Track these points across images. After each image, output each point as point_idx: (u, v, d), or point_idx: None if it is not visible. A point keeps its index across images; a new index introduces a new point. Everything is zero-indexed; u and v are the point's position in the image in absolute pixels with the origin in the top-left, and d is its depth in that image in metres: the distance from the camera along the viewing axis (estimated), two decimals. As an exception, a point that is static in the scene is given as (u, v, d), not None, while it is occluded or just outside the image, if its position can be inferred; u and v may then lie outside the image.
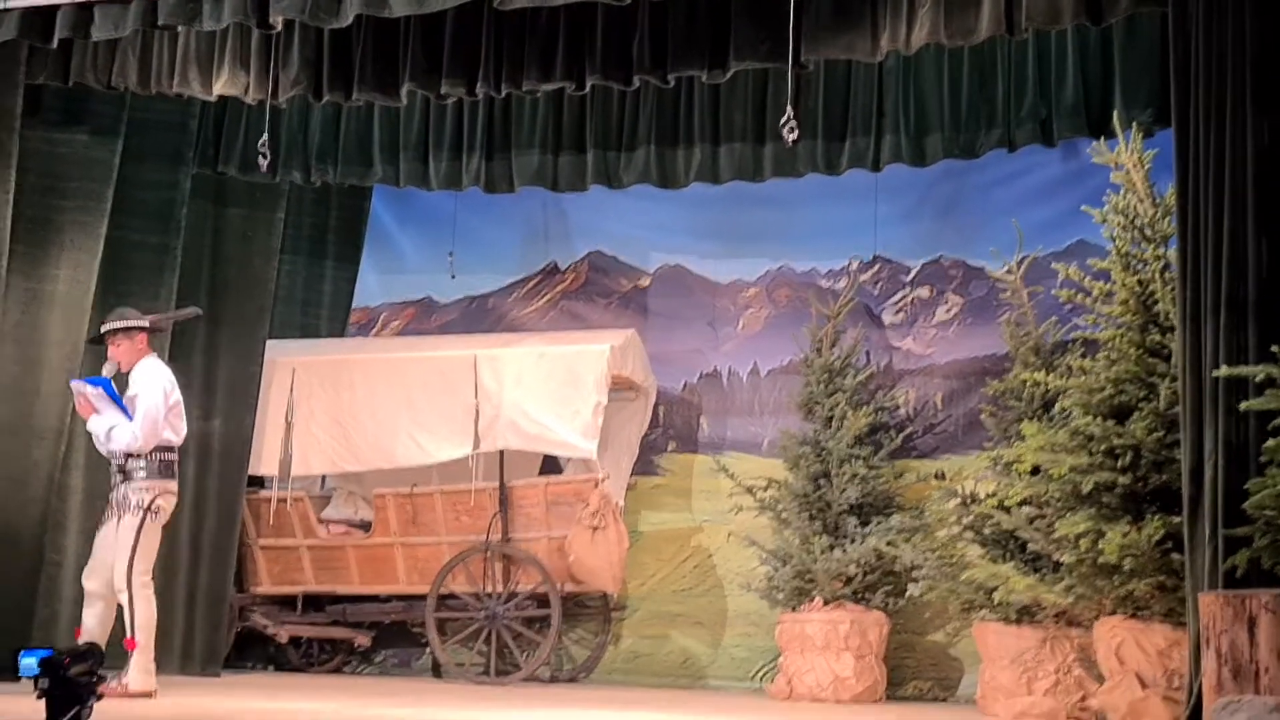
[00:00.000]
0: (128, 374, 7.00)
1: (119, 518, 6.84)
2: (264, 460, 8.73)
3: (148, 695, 6.70)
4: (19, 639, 6.81)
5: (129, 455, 6.86)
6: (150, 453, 6.86)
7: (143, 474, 6.86)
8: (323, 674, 9.08)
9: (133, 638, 6.74)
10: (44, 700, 3.64)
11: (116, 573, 6.78)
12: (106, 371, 6.97)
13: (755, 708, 7.41)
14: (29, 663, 3.65)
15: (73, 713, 3.57)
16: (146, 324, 7.11)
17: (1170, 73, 5.79)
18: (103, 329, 7.07)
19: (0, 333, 7.38)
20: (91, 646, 3.66)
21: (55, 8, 6.63)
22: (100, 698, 3.65)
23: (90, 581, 6.88)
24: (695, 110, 8.01)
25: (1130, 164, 6.54)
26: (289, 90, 7.08)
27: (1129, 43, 7.05)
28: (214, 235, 8.69)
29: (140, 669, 6.73)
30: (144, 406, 6.84)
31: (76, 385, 7.03)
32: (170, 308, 8.32)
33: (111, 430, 6.86)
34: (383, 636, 9.16)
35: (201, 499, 8.47)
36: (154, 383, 6.91)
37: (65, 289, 7.80)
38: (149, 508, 6.84)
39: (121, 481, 6.87)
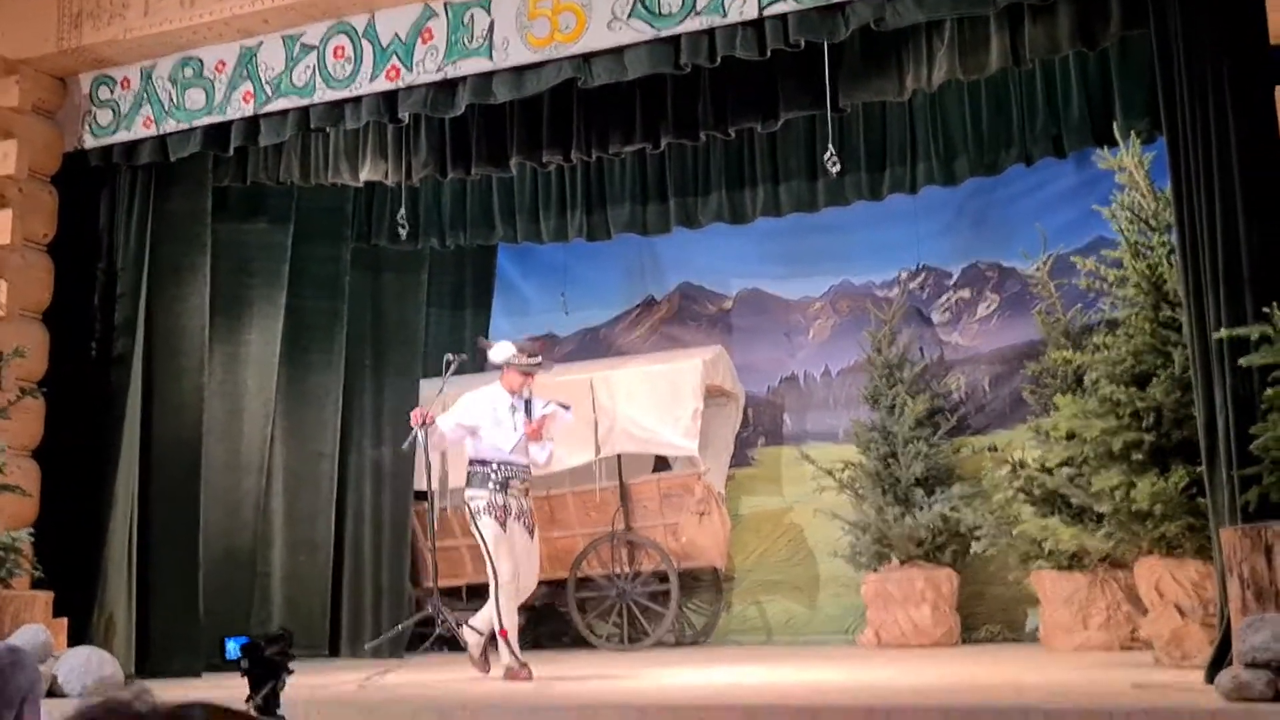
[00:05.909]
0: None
1: (535, 526, 6.15)
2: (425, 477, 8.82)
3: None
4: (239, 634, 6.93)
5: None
6: None
7: None
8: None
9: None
10: (246, 678, 3.67)
11: (536, 571, 6.13)
12: (527, 395, 6.14)
13: (850, 656, 7.30)
14: (232, 647, 3.69)
15: (269, 686, 3.59)
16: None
17: (1158, 83, 5.61)
18: (536, 363, 6.24)
19: (209, 389, 7.53)
20: (284, 631, 3.70)
21: (229, 123, 6.81)
22: (291, 673, 3.67)
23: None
24: (756, 156, 7.98)
25: (1132, 166, 6.32)
26: (420, 171, 7.17)
27: (1124, 61, 6.82)
28: (373, 297, 8.84)
29: None
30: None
31: (563, 414, 6.13)
32: (342, 360, 8.50)
33: (552, 452, 6.21)
34: (535, 616, 9.21)
35: (378, 512, 8.62)
36: None
37: (256, 350, 7.99)
38: None
39: (524, 495, 6.08)
